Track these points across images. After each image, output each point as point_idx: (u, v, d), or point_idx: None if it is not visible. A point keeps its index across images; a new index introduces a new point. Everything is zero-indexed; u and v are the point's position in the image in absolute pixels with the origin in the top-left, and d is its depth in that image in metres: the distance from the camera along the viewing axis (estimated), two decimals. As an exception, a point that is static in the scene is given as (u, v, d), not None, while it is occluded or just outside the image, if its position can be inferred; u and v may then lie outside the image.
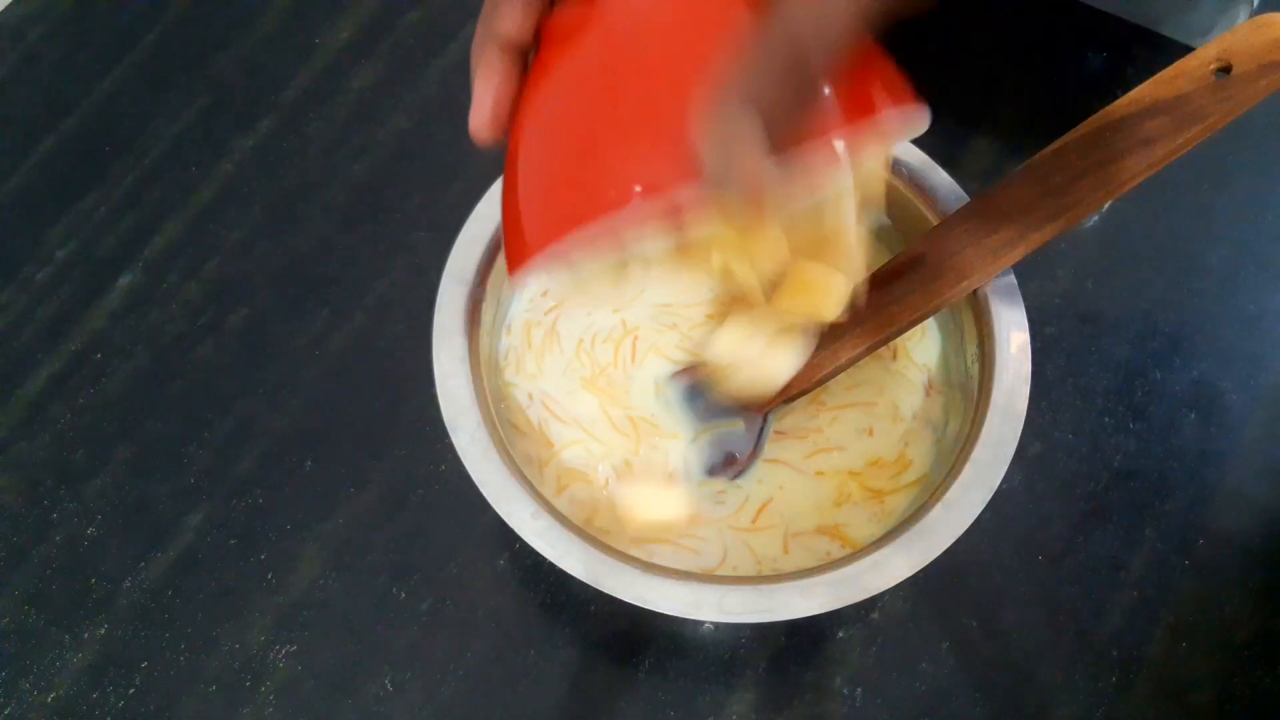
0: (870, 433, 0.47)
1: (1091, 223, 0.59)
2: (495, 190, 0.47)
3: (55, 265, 0.57)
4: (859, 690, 0.48)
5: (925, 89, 0.31)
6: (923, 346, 0.49)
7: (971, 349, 0.46)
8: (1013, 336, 0.44)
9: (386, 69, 0.63)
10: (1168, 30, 0.58)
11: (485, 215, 0.47)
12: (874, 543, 0.41)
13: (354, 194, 0.59)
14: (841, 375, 0.46)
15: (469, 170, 0.59)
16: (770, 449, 0.47)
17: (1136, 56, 0.61)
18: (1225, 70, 0.38)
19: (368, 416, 0.53)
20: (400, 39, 0.64)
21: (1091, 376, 0.55)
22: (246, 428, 0.53)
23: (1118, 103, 0.40)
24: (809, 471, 0.46)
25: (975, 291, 0.45)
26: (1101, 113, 0.41)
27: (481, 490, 0.41)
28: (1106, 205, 0.41)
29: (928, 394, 0.48)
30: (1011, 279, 0.45)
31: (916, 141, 0.47)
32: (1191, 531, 0.51)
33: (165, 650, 0.48)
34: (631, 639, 0.49)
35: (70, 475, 0.52)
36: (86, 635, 0.49)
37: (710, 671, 0.48)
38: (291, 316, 0.56)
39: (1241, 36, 0.38)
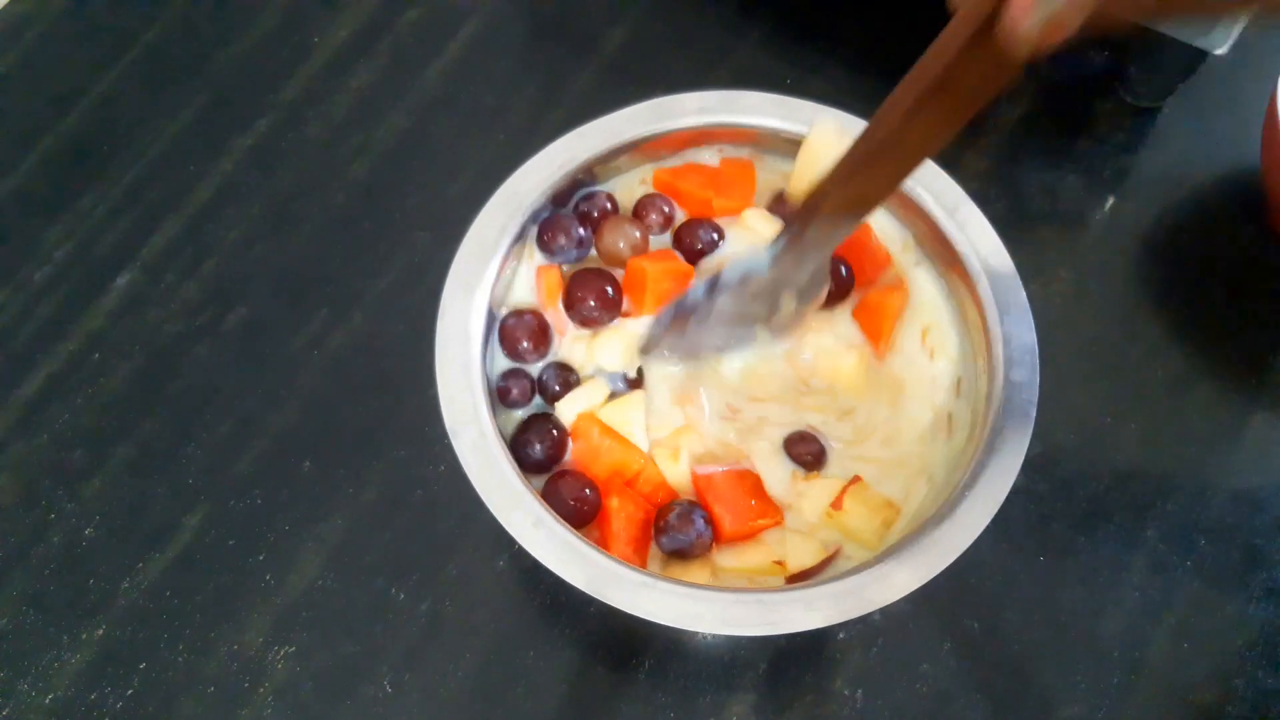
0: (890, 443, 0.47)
1: (1095, 222, 0.59)
2: (499, 195, 0.47)
3: (53, 265, 0.57)
4: (860, 692, 0.48)
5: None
6: (948, 348, 0.48)
7: (981, 361, 0.46)
8: (1019, 346, 0.44)
9: (386, 69, 0.63)
10: (1167, 29, 0.58)
11: (489, 220, 0.47)
12: (878, 555, 0.41)
13: (353, 194, 0.59)
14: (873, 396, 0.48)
15: (468, 170, 0.59)
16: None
17: (1137, 56, 0.61)
18: None
19: (366, 417, 0.53)
20: (399, 39, 0.64)
21: (1092, 377, 0.55)
22: (245, 428, 0.53)
23: None
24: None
25: (980, 301, 0.45)
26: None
27: (483, 499, 0.41)
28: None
29: (957, 394, 0.47)
30: (1017, 284, 0.45)
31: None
32: (1192, 531, 0.51)
33: (163, 651, 0.48)
34: (631, 641, 0.48)
35: (68, 476, 0.52)
36: (85, 636, 0.49)
37: (710, 673, 0.48)
38: (290, 316, 0.56)
39: None
